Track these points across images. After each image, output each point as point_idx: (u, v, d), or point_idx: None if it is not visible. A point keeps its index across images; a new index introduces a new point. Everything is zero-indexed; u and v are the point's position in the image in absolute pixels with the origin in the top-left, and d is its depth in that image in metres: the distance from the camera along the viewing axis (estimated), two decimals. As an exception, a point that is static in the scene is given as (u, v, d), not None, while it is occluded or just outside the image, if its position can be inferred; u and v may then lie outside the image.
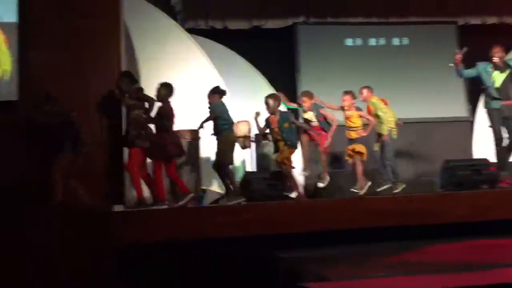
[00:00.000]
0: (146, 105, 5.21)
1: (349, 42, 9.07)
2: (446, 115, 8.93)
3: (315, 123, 6.09)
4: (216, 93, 5.59)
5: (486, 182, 5.61)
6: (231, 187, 5.43)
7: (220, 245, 4.55)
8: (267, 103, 5.65)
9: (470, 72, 6.07)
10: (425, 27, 9.23)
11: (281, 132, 5.56)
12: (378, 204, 4.88)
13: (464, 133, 8.87)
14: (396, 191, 5.94)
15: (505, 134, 5.81)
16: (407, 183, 7.95)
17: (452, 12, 9.21)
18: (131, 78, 5.45)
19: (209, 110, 5.51)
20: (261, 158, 6.82)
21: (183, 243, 4.41)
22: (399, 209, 4.84)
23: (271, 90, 8.23)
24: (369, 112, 6.23)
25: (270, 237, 4.51)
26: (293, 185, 5.65)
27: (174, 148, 5.22)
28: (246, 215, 4.57)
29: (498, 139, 5.85)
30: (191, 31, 7.97)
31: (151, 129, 5.25)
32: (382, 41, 9.13)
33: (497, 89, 5.85)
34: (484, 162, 5.90)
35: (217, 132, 5.46)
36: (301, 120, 6.23)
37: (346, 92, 6.04)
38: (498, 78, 5.85)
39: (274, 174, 5.76)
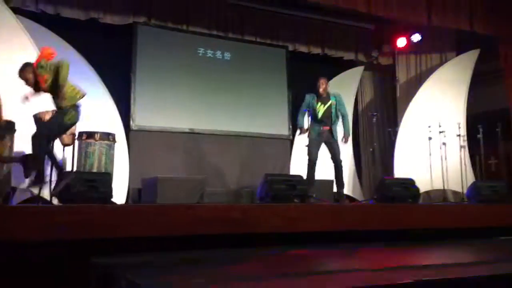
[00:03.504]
0: None
1: (182, 49, 9.05)
2: (272, 132, 9.59)
3: None
4: None
5: (297, 197, 6.05)
6: None
7: (29, 249, 4.15)
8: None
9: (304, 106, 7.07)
10: (257, 46, 9.78)
11: None
12: (198, 212, 4.94)
13: (285, 150, 9.63)
14: None
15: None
16: (230, 193, 8.28)
17: (283, 38, 9.96)
18: None
19: None
20: (82, 157, 6.45)
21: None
22: (219, 217, 4.97)
23: (102, 87, 7.93)
24: None
25: (89, 241, 4.25)
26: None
27: None
28: (60, 218, 4.24)
29: (310, 160, 6.88)
30: (17, 11, 7.24)
31: None
32: (209, 53, 9.31)
33: (319, 116, 6.91)
34: (298, 178, 6.37)
35: None
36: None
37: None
38: (321, 107, 6.91)
39: (98, 174, 5.50)
